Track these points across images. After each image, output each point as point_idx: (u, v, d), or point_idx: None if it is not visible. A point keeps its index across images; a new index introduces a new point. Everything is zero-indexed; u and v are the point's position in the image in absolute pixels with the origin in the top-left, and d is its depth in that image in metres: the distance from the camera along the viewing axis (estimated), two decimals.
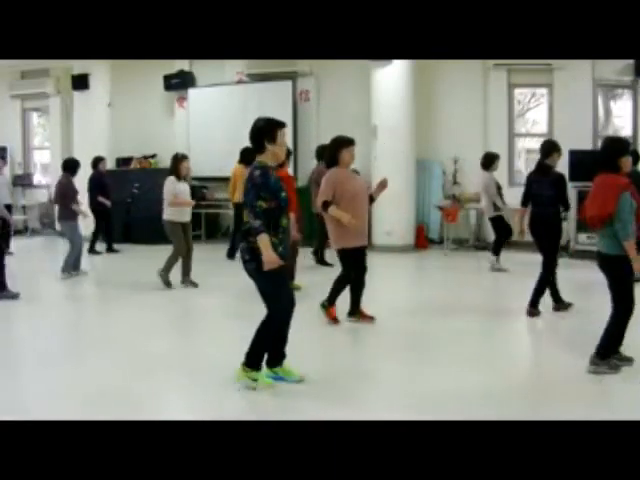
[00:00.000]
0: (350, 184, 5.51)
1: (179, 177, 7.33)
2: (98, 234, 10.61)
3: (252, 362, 4.04)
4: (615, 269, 4.24)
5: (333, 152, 5.60)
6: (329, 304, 5.71)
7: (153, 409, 3.82)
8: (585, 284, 4.45)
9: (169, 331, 5.95)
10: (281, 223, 3.94)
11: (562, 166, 9.81)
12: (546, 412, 3.64)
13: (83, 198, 10.19)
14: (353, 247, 5.53)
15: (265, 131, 3.96)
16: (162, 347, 5.20)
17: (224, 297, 6.92)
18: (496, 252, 8.34)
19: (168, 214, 7.34)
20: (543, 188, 5.96)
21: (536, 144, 11.61)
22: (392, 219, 10.34)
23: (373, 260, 9.96)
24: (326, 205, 5.42)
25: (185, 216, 7.41)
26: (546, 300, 6.02)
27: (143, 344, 5.28)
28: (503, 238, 8.38)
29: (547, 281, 5.92)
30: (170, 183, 7.29)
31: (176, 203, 7.27)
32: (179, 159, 7.38)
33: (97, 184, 10.45)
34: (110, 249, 10.68)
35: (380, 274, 9.16)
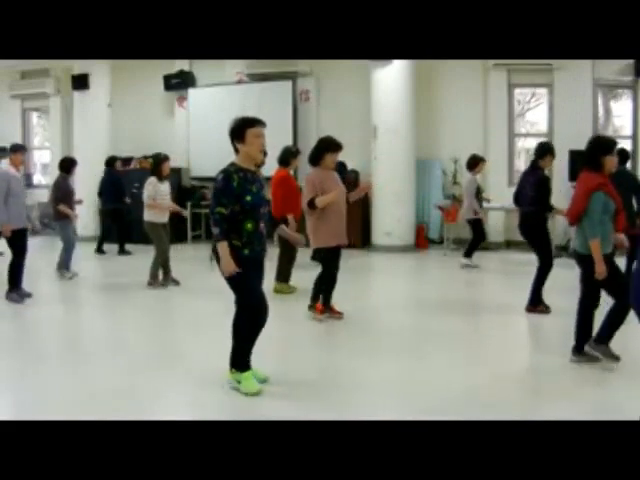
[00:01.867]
0: (330, 185, 5.60)
1: (160, 178, 7.39)
2: (107, 234, 10.57)
3: (235, 362, 4.01)
4: (588, 268, 4.27)
5: (319, 153, 5.66)
6: (313, 302, 5.87)
7: (141, 410, 3.80)
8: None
9: (163, 331, 5.95)
10: (245, 227, 3.85)
11: (562, 166, 9.92)
12: (538, 412, 3.64)
13: (89, 197, 10.29)
14: (332, 246, 5.66)
15: (234, 132, 3.89)
16: (154, 347, 5.21)
17: (224, 297, 6.91)
18: (468, 254, 8.63)
19: (149, 215, 7.39)
20: (528, 188, 6.11)
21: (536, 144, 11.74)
22: (392, 219, 10.35)
23: (373, 260, 10.05)
24: (312, 203, 5.49)
25: (165, 217, 7.47)
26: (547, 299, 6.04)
27: (135, 345, 5.30)
28: (478, 241, 8.66)
29: (543, 278, 5.99)
30: (151, 186, 7.33)
31: (153, 206, 7.32)
32: (162, 159, 7.43)
33: (114, 183, 10.45)
34: (122, 250, 10.62)
35: (379, 274, 9.19)
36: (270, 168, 7.21)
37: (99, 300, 7.47)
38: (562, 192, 9.45)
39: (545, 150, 6.11)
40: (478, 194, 8.64)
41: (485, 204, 9.02)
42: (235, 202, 3.81)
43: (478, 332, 5.73)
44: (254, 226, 3.89)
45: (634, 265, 6.63)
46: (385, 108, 10.28)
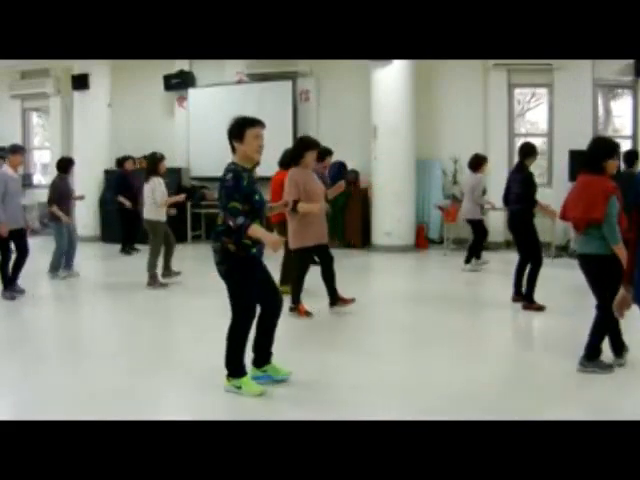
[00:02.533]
0: (311, 184, 5.67)
1: (161, 177, 7.57)
2: (128, 234, 10.59)
3: (232, 371, 3.98)
4: (598, 269, 4.23)
5: (299, 152, 5.71)
6: (295, 304, 5.91)
7: (141, 410, 3.79)
8: (582, 284, 4.48)
9: (163, 331, 5.96)
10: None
11: (562, 166, 9.92)
12: (537, 412, 3.64)
13: (89, 197, 10.28)
14: (312, 245, 5.76)
15: (233, 130, 3.89)
16: (154, 347, 5.22)
17: (223, 297, 6.91)
18: (472, 257, 8.54)
19: (155, 214, 7.50)
20: (515, 187, 6.32)
21: (536, 144, 11.73)
22: (392, 219, 10.35)
23: (373, 260, 10.05)
24: (295, 204, 5.52)
25: (165, 215, 7.64)
26: (544, 300, 6.04)
27: (135, 345, 5.30)
28: (480, 242, 8.59)
29: (536, 273, 6.12)
30: (159, 185, 7.48)
31: (170, 202, 7.56)
32: (158, 159, 7.59)
33: (121, 184, 10.46)
34: (124, 250, 10.60)
35: (379, 274, 9.19)
36: (270, 168, 7.20)
37: (99, 300, 7.47)
38: (562, 192, 9.46)
39: (528, 150, 6.35)
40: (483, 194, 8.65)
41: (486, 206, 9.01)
42: (244, 201, 3.81)
43: (478, 332, 5.73)
44: (260, 225, 3.91)
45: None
46: (385, 108, 10.27)
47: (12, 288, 6.93)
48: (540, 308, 6.08)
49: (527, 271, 6.19)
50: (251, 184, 3.86)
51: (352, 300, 6.01)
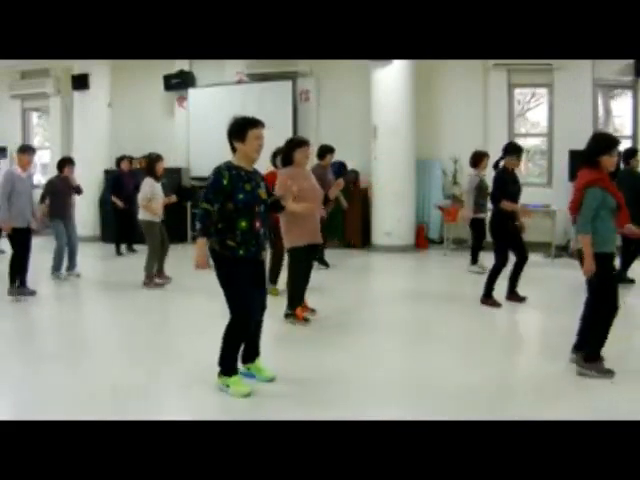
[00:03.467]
0: (303, 183, 5.54)
1: (157, 177, 7.48)
2: (121, 235, 10.55)
3: (223, 368, 3.99)
4: (596, 267, 4.22)
5: (288, 152, 5.69)
6: (293, 309, 5.71)
7: (141, 410, 3.78)
8: (582, 284, 4.48)
9: (163, 331, 5.95)
10: (238, 226, 3.84)
11: (562, 166, 9.93)
12: (538, 412, 3.64)
13: (88, 197, 10.28)
14: (305, 245, 5.64)
15: (233, 131, 3.90)
16: (154, 347, 5.21)
17: (222, 297, 6.91)
18: (474, 259, 8.43)
19: (145, 214, 7.45)
20: (493, 187, 6.35)
21: (535, 144, 11.73)
22: (392, 219, 10.35)
23: (373, 260, 10.06)
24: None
25: (160, 216, 7.56)
26: (544, 300, 6.03)
27: (135, 345, 5.29)
28: (479, 243, 8.43)
29: (497, 273, 6.24)
30: (148, 186, 7.40)
31: (148, 207, 7.37)
32: (154, 159, 7.51)
33: (115, 184, 10.49)
34: (117, 251, 10.56)
35: (379, 274, 9.19)
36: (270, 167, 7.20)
37: (98, 300, 7.47)
38: (562, 192, 9.47)
39: (507, 149, 6.25)
40: (484, 192, 8.42)
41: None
42: (227, 200, 3.81)
43: (478, 332, 5.72)
44: (248, 225, 3.87)
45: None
46: (385, 108, 10.26)
47: (22, 290, 6.97)
48: (496, 304, 6.22)
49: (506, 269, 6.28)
50: (235, 182, 3.83)
51: (313, 311, 5.84)
